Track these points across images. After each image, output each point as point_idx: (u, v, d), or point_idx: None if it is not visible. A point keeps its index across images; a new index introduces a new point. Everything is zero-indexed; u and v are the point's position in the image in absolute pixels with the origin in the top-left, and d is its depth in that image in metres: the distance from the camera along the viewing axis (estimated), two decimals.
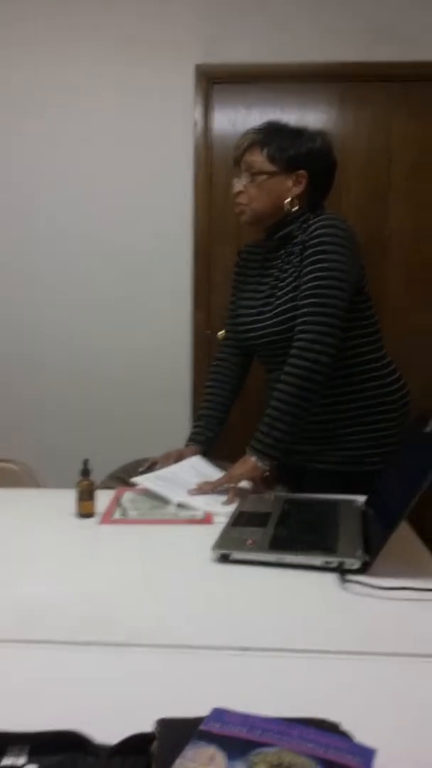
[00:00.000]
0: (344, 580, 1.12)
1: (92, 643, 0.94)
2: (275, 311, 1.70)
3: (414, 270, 2.92)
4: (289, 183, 1.70)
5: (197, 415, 1.91)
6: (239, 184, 1.73)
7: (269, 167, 1.70)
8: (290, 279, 1.68)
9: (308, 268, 1.62)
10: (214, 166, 2.87)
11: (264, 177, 1.70)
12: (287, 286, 1.68)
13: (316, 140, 1.72)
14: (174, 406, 2.96)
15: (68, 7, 2.86)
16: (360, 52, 2.79)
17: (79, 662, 0.89)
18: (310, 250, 1.63)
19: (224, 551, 1.21)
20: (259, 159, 1.70)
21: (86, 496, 1.48)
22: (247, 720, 0.69)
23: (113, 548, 1.33)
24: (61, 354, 3.03)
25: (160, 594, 1.11)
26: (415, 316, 2.93)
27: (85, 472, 1.50)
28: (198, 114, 2.86)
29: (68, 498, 1.51)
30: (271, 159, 1.70)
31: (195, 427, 1.88)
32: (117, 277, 2.98)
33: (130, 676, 0.86)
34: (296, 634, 0.98)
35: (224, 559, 1.21)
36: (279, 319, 1.68)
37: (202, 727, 0.68)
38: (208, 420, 1.87)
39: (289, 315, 1.66)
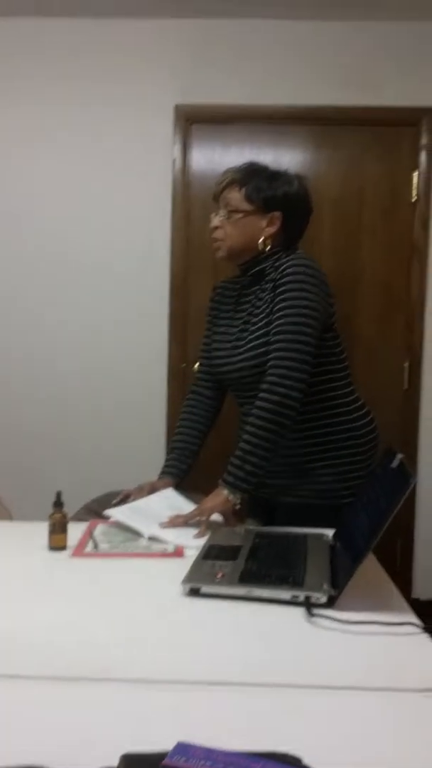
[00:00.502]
0: (311, 614, 1.14)
1: (59, 678, 0.95)
2: (248, 346, 1.74)
3: (384, 307, 3.00)
4: (263, 223, 1.76)
5: (170, 448, 1.93)
6: (216, 219, 1.79)
7: (245, 206, 1.75)
8: (263, 315, 1.72)
9: (279, 306, 1.67)
10: (191, 203, 2.93)
11: (240, 215, 1.75)
12: (260, 321, 1.73)
13: (293, 184, 1.78)
14: (149, 438, 2.97)
15: (50, 49, 2.94)
16: (333, 96, 2.89)
17: (45, 696, 0.90)
18: (281, 288, 1.67)
19: (194, 585, 1.23)
20: (236, 197, 1.76)
21: (58, 528, 1.49)
22: (210, 754, 0.71)
23: (84, 582, 1.33)
24: (35, 385, 3.04)
25: (129, 628, 1.12)
26: (384, 353, 3.00)
27: (58, 505, 1.51)
28: (177, 152, 2.93)
29: (41, 530, 1.51)
30: (248, 198, 1.75)
31: (168, 459, 1.90)
32: (94, 309, 3.01)
33: (96, 710, 0.87)
34: (262, 668, 0.99)
35: (194, 592, 1.23)
36: (251, 354, 1.72)
37: (165, 761, 0.69)
38: (181, 452, 1.89)
39: (261, 350, 1.70)
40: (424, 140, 2.92)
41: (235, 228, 1.76)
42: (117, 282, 3.00)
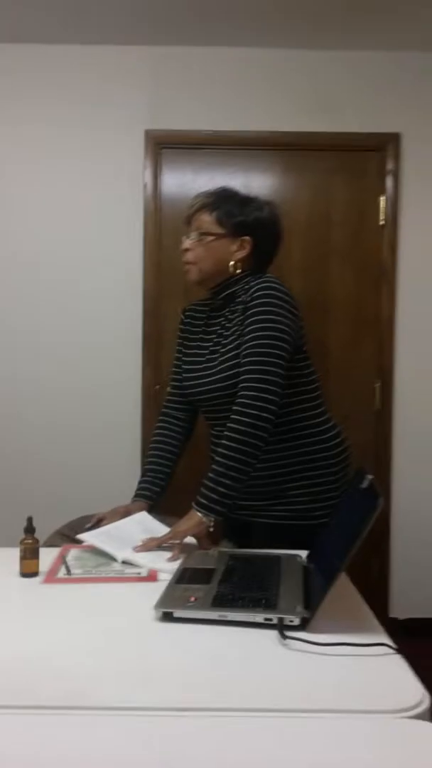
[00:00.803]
0: (284, 637, 1.13)
1: (31, 706, 0.93)
2: (219, 368, 1.75)
3: (354, 329, 3.04)
4: (234, 247, 1.78)
5: (143, 471, 1.92)
6: (188, 242, 1.81)
7: (216, 229, 1.77)
8: (233, 337, 1.74)
9: (249, 328, 1.68)
10: (163, 227, 2.95)
11: (211, 238, 1.78)
12: (230, 343, 1.74)
13: (264, 210, 1.81)
14: (123, 461, 2.96)
15: (21, 75, 2.96)
16: (300, 123, 2.95)
17: (16, 726, 0.88)
18: (251, 311, 1.69)
19: (167, 610, 1.22)
20: (207, 220, 1.78)
21: (29, 554, 1.47)
22: None
23: (56, 608, 1.31)
24: (8, 408, 3.01)
25: (101, 654, 1.11)
26: (356, 374, 3.03)
27: (29, 530, 1.49)
28: (147, 177, 2.96)
29: (12, 556, 1.49)
30: (219, 222, 1.77)
31: (141, 482, 1.89)
32: (67, 332, 3.00)
33: (68, 738, 0.86)
34: (235, 693, 0.98)
35: (167, 617, 1.22)
36: (222, 375, 1.73)
37: None
38: (154, 475, 1.88)
39: (232, 372, 1.71)
40: (390, 165, 2.99)
41: (206, 250, 1.78)
42: (90, 305, 3.00)
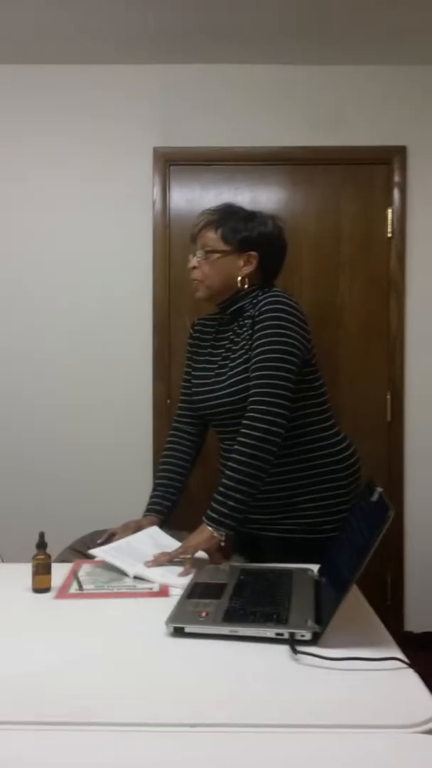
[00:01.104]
0: (295, 652, 1.13)
1: (42, 722, 0.93)
2: (229, 381, 1.76)
3: (364, 341, 3.04)
4: (240, 262, 1.79)
5: (154, 485, 1.93)
6: (194, 260, 1.82)
7: (222, 246, 1.79)
8: (242, 351, 1.75)
9: (258, 342, 1.69)
10: (171, 243, 2.98)
11: (217, 255, 1.79)
12: (239, 357, 1.75)
13: (268, 224, 1.82)
14: (134, 476, 2.96)
15: (31, 95, 3.01)
16: (307, 137, 2.97)
17: (27, 741, 0.89)
18: (260, 325, 1.70)
19: (178, 625, 1.22)
20: (213, 238, 1.80)
21: (42, 570, 1.48)
22: None
23: (68, 624, 1.32)
24: (19, 424, 3.03)
25: (112, 670, 1.11)
26: (366, 386, 3.03)
27: (41, 545, 1.50)
28: (156, 193, 2.99)
29: (24, 572, 1.50)
30: (224, 239, 1.79)
31: (152, 497, 1.89)
32: (79, 348, 3.03)
33: (74, 756, 0.86)
34: (246, 708, 0.98)
35: (178, 632, 1.22)
36: (232, 389, 1.74)
37: None
38: (165, 490, 1.89)
39: (242, 386, 1.72)
40: (396, 178, 3.00)
41: (213, 268, 1.80)
42: (100, 320, 3.02)
